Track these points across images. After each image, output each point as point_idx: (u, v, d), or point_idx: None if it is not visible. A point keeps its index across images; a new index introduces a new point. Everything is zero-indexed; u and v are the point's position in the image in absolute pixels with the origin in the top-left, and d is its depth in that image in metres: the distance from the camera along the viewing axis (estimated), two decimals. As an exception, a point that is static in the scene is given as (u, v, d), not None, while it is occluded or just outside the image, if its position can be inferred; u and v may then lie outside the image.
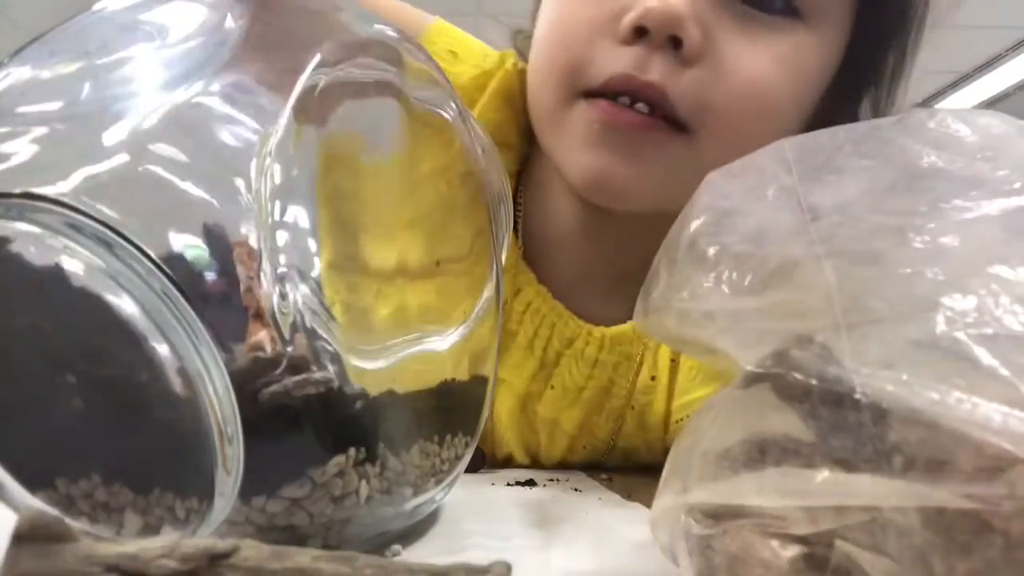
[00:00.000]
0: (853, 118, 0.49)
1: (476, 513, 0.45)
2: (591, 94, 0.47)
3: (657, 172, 0.47)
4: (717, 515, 0.23)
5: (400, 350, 0.35)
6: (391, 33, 0.40)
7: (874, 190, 0.27)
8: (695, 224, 0.30)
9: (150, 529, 0.31)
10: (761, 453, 0.23)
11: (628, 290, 0.58)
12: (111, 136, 0.30)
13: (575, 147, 0.48)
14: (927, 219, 0.25)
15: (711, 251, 0.28)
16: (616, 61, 0.45)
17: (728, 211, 0.29)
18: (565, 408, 0.61)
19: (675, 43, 0.43)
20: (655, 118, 0.45)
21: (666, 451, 0.28)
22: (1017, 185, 0.25)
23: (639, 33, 0.44)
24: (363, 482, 0.33)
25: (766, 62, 0.45)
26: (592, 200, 0.50)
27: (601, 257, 0.59)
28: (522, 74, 0.57)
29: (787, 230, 0.26)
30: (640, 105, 0.45)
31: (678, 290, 0.27)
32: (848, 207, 0.26)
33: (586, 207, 0.54)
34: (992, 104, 4.45)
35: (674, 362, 0.60)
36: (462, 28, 0.65)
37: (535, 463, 0.65)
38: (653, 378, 0.60)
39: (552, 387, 0.60)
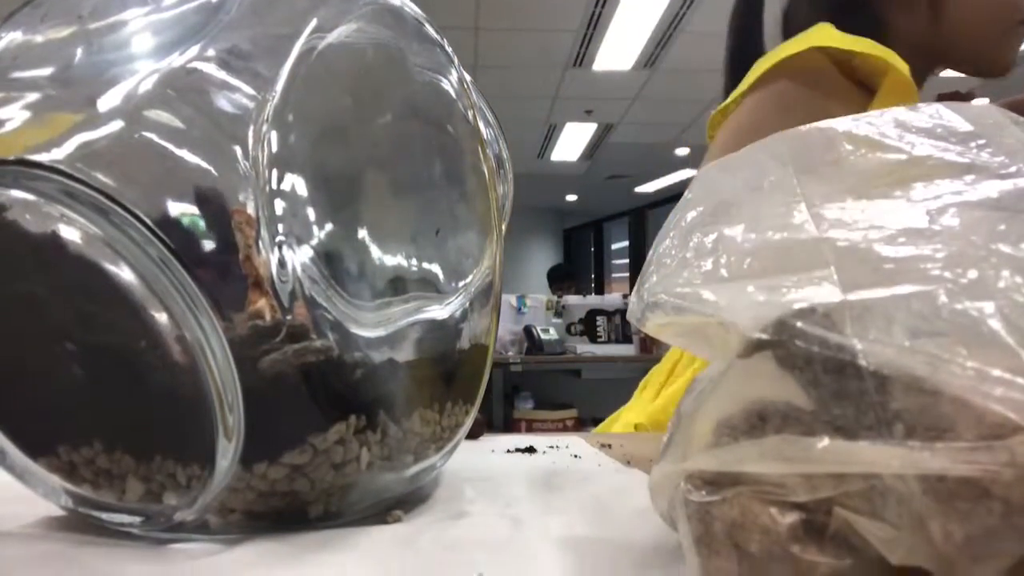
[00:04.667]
0: None
1: (476, 479, 0.45)
2: None
3: None
4: (716, 482, 0.24)
5: (400, 318, 0.35)
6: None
7: (870, 178, 0.27)
8: (691, 215, 0.30)
9: (152, 496, 0.32)
10: (762, 421, 0.23)
11: None
12: (105, 102, 0.29)
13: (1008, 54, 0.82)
14: (925, 202, 0.25)
15: (708, 240, 0.28)
16: None
17: (724, 203, 0.29)
18: None
19: None
20: None
21: None
22: (1013, 169, 0.25)
23: None
24: (364, 449, 0.33)
25: None
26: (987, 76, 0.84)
27: None
28: None
29: (784, 217, 0.26)
30: None
31: (675, 277, 0.27)
32: (844, 194, 0.26)
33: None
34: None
35: None
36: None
37: None
38: None
39: None
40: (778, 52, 0.76)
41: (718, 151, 0.76)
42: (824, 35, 0.75)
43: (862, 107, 0.74)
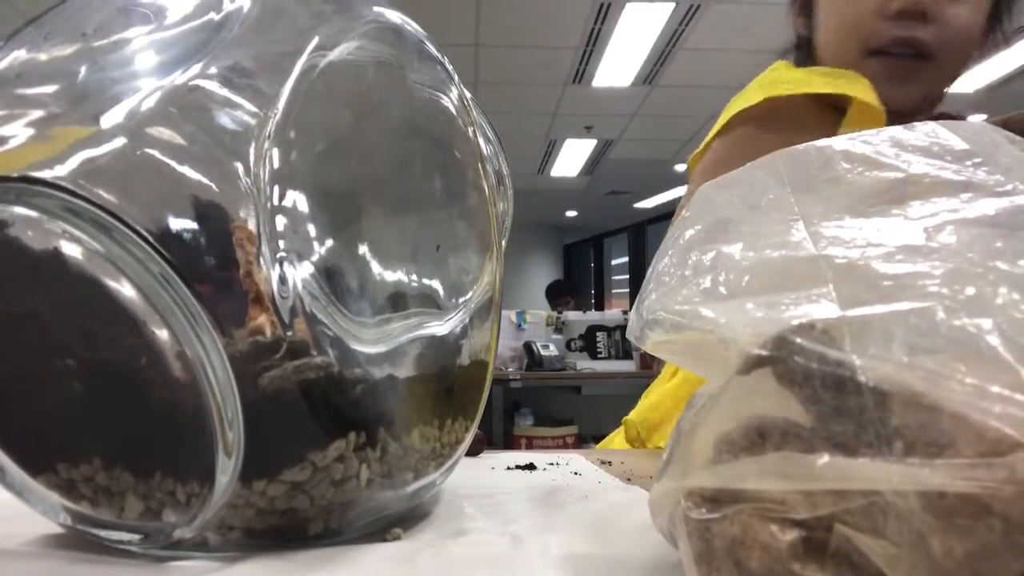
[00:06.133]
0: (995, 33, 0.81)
1: (476, 497, 0.45)
2: (875, 52, 0.77)
3: (916, 88, 0.78)
4: (716, 499, 0.24)
5: (400, 334, 0.35)
6: (392, 16, 0.39)
7: (867, 196, 0.27)
8: (690, 233, 0.30)
9: (151, 513, 0.31)
10: (761, 437, 0.23)
11: None
12: (108, 119, 0.30)
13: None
14: (922, 219, 0.25)
15: (707, 257, 0.28)
16: (891, 29, 0.75)
17: (722, 221, 0.29)
18: None
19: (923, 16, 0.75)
20: (916, 60, 0.76)
21: None
22: (1009, 187, 0.25)
23: (900, 14, 0.75)
24: (363, 466, 0.33)
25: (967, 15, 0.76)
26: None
27: None
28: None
29: (782, 234, 0.26)
30: (906, 51, 0.76)
31: (674, 294, 0.28)
32: (842, 212, 0.26)
33: None
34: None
35: None
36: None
37: None
38: None
39: None
40: (741, 98, 0.79)
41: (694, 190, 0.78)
42: (777, 78, 0.79)
43: (834, 130, 0.75)
